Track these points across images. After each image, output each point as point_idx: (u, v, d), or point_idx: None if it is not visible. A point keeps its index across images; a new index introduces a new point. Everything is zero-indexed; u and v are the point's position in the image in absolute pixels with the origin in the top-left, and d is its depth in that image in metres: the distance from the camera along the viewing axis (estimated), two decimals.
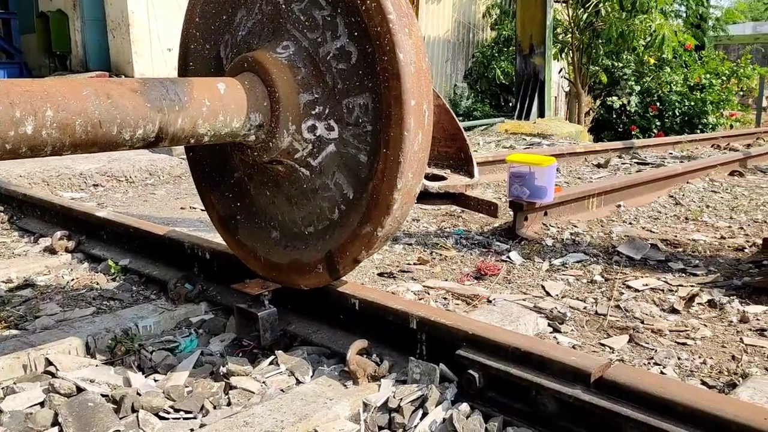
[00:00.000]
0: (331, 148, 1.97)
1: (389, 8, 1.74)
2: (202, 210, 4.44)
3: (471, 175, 2.34)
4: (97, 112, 1.60)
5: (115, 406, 1.82)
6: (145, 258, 2.94)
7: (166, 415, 1.80)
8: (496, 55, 13.71)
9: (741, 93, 16.81)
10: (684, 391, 1.44)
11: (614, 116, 13.43)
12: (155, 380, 2.02)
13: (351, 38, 1.86)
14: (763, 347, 2.27)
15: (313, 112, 1.95)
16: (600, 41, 12.54)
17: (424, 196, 2.13)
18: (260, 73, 1.94)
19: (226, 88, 1.89)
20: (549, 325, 2.45)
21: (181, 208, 4.49)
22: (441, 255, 3.35)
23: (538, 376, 1.61)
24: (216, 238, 3.36)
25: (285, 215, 2.18)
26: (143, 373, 2.07)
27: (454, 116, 2.35)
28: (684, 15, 17.39)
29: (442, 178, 2.27)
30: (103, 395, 1.88)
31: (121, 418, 1.77)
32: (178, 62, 2.35)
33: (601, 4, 12.12)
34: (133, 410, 1.80)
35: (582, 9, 12.43)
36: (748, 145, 9.97)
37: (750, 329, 2.43)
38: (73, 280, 2.91)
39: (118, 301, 2.64)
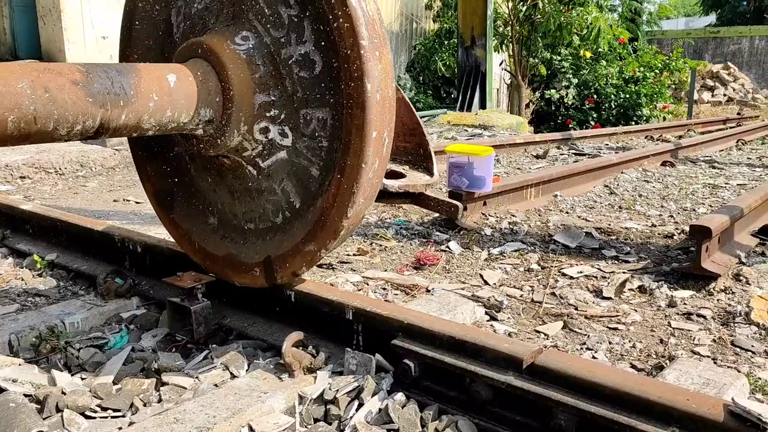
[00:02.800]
0: (283, 154, 1.88)
1: (363, 33, 1.64)
2: (136, 202, 4.32)
3: (430, 172, 2.26)
4: (32, 107, 1.47)
5: (39, 406, 1.74)
6: (73, 252, 2.83)
7: (93, 414, 1.73)
8: (438, 47, 13.80)
9: (673, 86, 17.45)
10: (611, 374, 1.47)
11: (553, 108, 13.72)
12: (82, 378, 1.94)
13: (317, 47, 1.74)
14: (689, 330, 2.35)
15: (268, 114, 1.85)
16: (538, 34, 12.77)
17: (383, 195, 2.03)
18: (215, 65, 1.81)
19: (177, 81, 1.75)
20: (486, 313, 2.47)
21: (114, 201, 4.35)
22: (381, 245, 3.34)
23: (471, 363, 1.62)
24: (149, 231, 3.27)
25: (225, 206, 2.11)
26: (70, 372, 1.99)
27: (414, 110, 2.25)
28: (619, 9, 17.88)
29: (400, 175, 2.18)
30: (26, 395, 1.80)
31: (44, 419, 1.69)
32: (123, 20, 2.17)
33: None
34: (58, 410, 1.73)
35: (521, 2, 12.62)
36: (680, 137, 10.35)
37: (677, 313, 2.51)
38: None
39: (44, 297, 2.54)
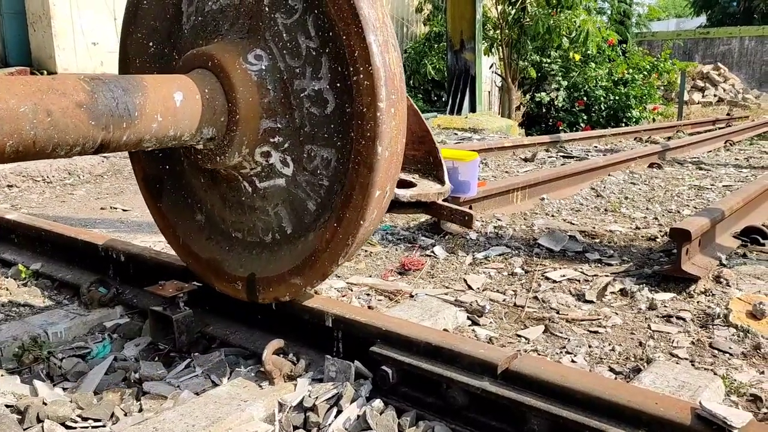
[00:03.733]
0: (281, 182, 1.85)
1: (382, 94, 1.58)
2: (123, 210, 4.33)
3: (441, 180, 2.21)
4: (33, 132, 1.42)
5: (20, 417, 1.75)
6: (58, 262, 2.83)
7: (73, 425, 1.74)
8: (428, 50, 13.85)
9: (663, 87, 17.56)
10: (583, 379, 1.49)
11: (544, 111, 13.78)
12: (64, 388, 1.95)
13: (332, 87, 1.68)
14: (668, 333, 2.37)
15: (272, 140, 1.80)
16: (527, 37, 12.84)
17: (395, 205, 1.98)
18: (224, 84, 1.74)
19: (183, 100, 1.69)
20: (468, 318, 2.49)
21: (101, 209, 4.35)
22: (366, 251, 3.36)
23: (448, 370, 1.63)
24: (135, 240, 3.28)
25: (215, 208, 2.08)
26: (52, 382, 2.00)
27: (423, 118, 2.20)
28: (608, 12, 17.98)
29: (410, 185, 2.12)
30: (7, 405, 1.81)
31: (25, 429, 1.70)
32: None
33: (528, 1, 12.42)
34: (39, 420, 1.74)
35: (510, 5, 12.69)
36: (669, 138, 10.42)
37: (657, 316, 2.54)
38: None
39: (28, 307, 2.54)
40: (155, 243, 3.34)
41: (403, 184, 2.08)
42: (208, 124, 1.74)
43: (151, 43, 2.09)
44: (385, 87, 1.58)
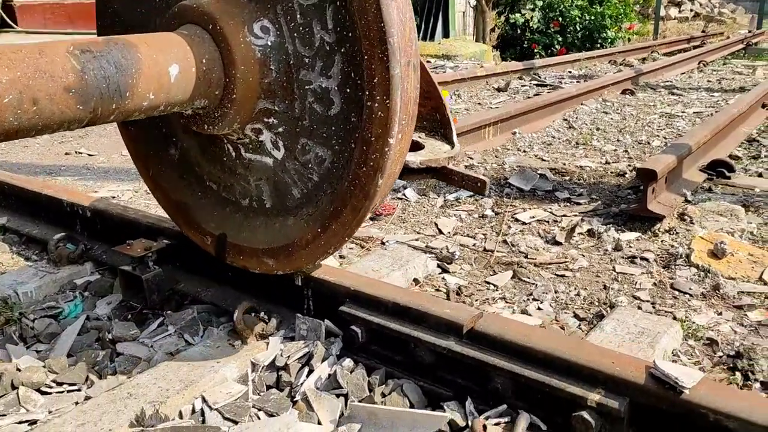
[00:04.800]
0: (268, 161, 1.77)
1: (394, 128, 1.47)
2: (89, 155, 4.24)
3: (449, 140, 2.08)
4: (16, 123, 1.33)
5: None
6: (24, 216, 2.79)
7: (48, 390, 1.77)
8: None
9: (640, 4, 17.28)
10: (544, 339, 1.53)
11: (518, 32, 13.52)
12: (38, 351, 1.97)
13: (341, 90, 1.55)
14: (632, 275, 2.44)
15: (266, 120, 1.70)
16: None
17: (403, 173, 1.85)
18: (225, 57, 1.59)
19: (179, 74, 1.54)
20: (438, 266, 2.53)
21: (66, 154, 4.25)
22: None
23: (415, 329, 1.67)
24: (102, 188, 3.23)
25: (192, 151, 1.97)
26: (25, 344, 2.01)
27: (429, 71, 2.05)
28: None
29: (418, 146, 2.00)
30: None
31: (0, 397, 1.73)
32: None
33: None
34: (13, 387, 1.76)
35: None
36: (643, 59, 10.37)
37: (622, 257, 2.60)
38: None
39: None
40: (123, 192, 3.30)
41: (410, 146, 1.90)
42: (201, 97, 1.63)
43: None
44: (399, 118, 1.48)
